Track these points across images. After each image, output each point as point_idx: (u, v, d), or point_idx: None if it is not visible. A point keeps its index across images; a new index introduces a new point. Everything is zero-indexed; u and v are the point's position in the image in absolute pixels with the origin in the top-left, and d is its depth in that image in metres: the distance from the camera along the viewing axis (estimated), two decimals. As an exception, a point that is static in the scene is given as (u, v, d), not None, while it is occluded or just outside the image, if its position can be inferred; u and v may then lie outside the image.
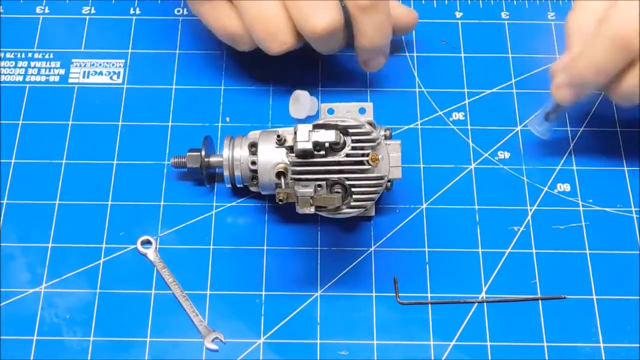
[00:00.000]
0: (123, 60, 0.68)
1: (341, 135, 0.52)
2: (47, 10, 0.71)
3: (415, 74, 0.68)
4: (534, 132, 0.62)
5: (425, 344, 0.56)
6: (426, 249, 0.60)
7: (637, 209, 0.62)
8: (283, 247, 0.60)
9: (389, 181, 0.56)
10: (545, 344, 0.57)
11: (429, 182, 0.63)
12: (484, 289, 0.58)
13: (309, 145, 0.51)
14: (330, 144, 0.51)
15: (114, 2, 0.71)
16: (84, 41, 0.69)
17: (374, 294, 0.58)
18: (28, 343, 0.56)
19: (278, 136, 0.52)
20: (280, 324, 0.57)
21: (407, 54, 0.69)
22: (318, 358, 0.56)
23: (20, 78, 0.67)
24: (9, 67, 0.68)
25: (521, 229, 0.61)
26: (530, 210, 0.62)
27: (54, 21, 0.70)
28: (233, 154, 0.59)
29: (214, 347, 0.56)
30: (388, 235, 0.60)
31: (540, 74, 0.67)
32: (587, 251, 0.60)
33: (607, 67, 0.56)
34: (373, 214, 0.60)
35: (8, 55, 0.68)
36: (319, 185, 0.52)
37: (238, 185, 0.60)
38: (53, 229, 0.60)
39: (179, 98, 0.66)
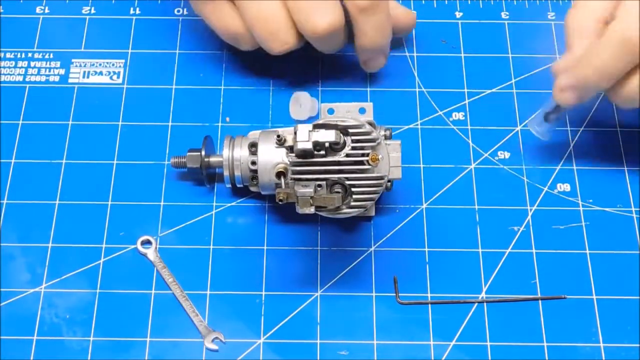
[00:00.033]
0: (123, 60, 0.68)
1: (341, 135, 0.52)
2: (47, 10, 0.71)
3: (415, 74, 0.68)
4: (533, 132, 0.62)
5: (425, 344, 0.56)
6: (426, 249, 0.60)
7: (637, 209, 0.62)
8: (283, 247, 0.60)
9: (389, 181, 0.56)
10: (545, 344, 0.57)
11: (429, 182, 0.63)
12: (484, 289, 0.58)
13: (309, 145, 0.51)
14: (330, 144, 0.51)
15: (114, 2, 0.71)
16: (84, 41, 0.69)
17: (374, 294, 0.58)
18: (28, 343, 0.56)
19: (278, 136, 0.52)
20: (280, 324, 0.57)
21: (407, 54, 0.69)
22: (318, 358, 0.56)
23: (20, 78, 0.67)
24: (9, 67, 0.68)
25: (521, 229, 0.61)
26: (530, 210, 0.62)
27: (54, 21, 0.70)
28: (233, 154, 0.59)
29: (214, 347, 0.56)
30: (388, 235, 0.60)
31: (540, 74, 0.67)
32: (587, 251, 0.60)
33: (614, 71, 0.56)
34: (373, 214, 0.60)
35: (8, 55, 0.68)
36: (319, 185, 0.52)
37: (238, 185, 0.60)
38: (53, 229, 0.60)
39: (179, 98, 0.66)
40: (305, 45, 0.63)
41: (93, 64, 0.68)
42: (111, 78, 0.67)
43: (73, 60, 0.68)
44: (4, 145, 0.64)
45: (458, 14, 0.71)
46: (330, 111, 0.56)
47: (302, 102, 0.64)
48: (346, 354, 0.56)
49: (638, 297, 0.58)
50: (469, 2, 0.72)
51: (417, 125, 0.65)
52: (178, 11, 0.71)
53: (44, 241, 0.60)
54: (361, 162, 0.52)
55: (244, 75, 0.67)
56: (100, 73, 0.67)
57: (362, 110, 0.56)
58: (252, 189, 0.60)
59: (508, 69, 0.68)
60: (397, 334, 0.57)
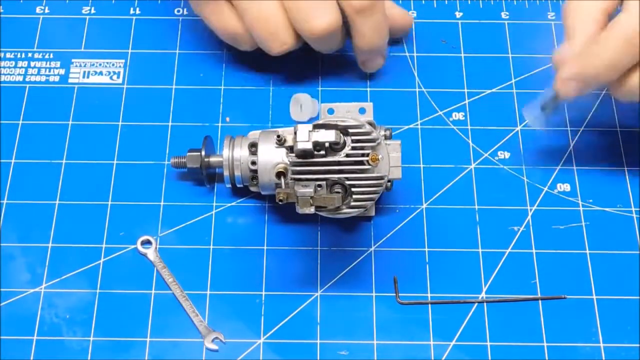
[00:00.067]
0: (123, 60, 0.68)
1: (341, 135, 0.52)
2: (47, 10, 0.71)
3: (415, 74, 0.68)
4: (527, 119, 0.61)
5: (425, 344, 0.56)
6: (426, 249, 0.60)
7: (637, 209, 0.62)
8: (283, 247, 0.60)
9: (389, 181, 0.56)
10: (545, 344, 0.57)
11: (429, 182, 0.63)
12: (484, 289, 0.58)
13: (309, 145, 0.51)
14: (330, 144, 0.51)
15: (114, 2, 0.71)
16: (84, 41, 0.69)
17: (374, 294, 0.58)
18: (28, 343, 0.56)
19: (278, 136, 0.52)
20: (280, 324, 0.57)
21: (407, 53, 0.69)
22: (318, 358, 0.56)
23: (20, 78, 0.67)
24: (9, 67, 0.68)
25: (521, 229, 0.61)
26: (530, 210, 0.61)
27: (54, 21, 0.70)
28: (233, 154, 0.59)
29: (214, 347, 0.56)
30: (388, 235, 0.60)
31: (540, 74, 0.67)
32: (587, 251, 0.60)
33: (622, 64, 0.55)
34: (373, 214, 0.60)
35: (8, 55, 0.68)
36: (319, 185, 0.52)
37: (238, 185, 0.60)
38: (53, 229, 0.60)
39: (179, 98, 0.66)
40: (304, 45, 0.63)
41: (93, 64, 0.68)
42: (111, 78, 0.67)
43: (73, 60, 0.68)
44: (4, 145, 0.64)
45: (458, 14, 0.71)
46: (330, 111, 0.56)
47: (302, 104, 0.64)
48: (346, 354, 0.56)
49: (638, 297, 0.58)
50: (469, 2, 0.72)
51: (417, 125, 0.65)
52: (178, 11, 0.71)
53: (44, 241, 0.60)
54: (361, 162, 0.52)
55: (244, 76, 0.67)
56: (100, 73, 0.67)
57: (362, 110, 0.56)
58: (252, 189, 0.60)
59: (508, 69, 0.68)
60: (397, 334, 0.57)
